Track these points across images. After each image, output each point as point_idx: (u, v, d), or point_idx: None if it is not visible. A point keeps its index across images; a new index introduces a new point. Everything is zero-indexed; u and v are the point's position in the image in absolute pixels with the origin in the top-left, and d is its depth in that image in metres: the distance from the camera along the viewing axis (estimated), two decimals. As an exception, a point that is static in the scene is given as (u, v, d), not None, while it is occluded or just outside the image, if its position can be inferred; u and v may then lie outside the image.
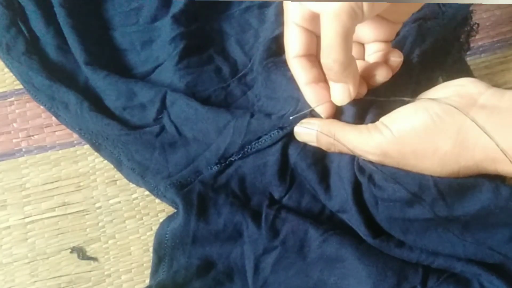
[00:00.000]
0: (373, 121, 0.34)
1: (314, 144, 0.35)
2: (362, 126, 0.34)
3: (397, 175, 0.32)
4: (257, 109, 0.40)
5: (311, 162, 0.36)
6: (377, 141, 0.32)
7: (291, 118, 0.36)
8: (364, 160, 0.33)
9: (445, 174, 0.31)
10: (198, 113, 0.38)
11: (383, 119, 0.33)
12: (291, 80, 0.39)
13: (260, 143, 0.37)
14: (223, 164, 0.38)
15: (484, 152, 0.30)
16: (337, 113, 0.36)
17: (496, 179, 0.32)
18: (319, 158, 0.36)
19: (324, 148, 0.35)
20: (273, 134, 0.36)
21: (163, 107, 0.40)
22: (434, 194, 0.31)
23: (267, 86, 0.40)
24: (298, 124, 0.36)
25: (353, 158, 0.34)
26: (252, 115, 0.37)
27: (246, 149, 0.37)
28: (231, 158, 0.37)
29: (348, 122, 0.35)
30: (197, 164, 0.38)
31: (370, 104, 0.36)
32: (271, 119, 0.37)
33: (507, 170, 0.30)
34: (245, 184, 0.38)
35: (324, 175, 0.36)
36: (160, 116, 0.40)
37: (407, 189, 0.32)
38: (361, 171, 0.34)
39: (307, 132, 0.35)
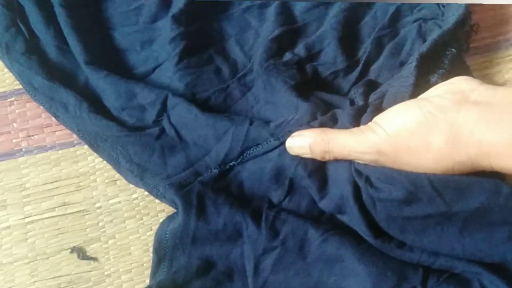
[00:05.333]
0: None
1: (308, 156, 0.35)
2: (355, 129, 0.34)
3: (390, 175, 0.32)
4: (256, 112, 0.40)
5: (311, 170, 0.36)
6: (371, 140, 0.32)
7: (287, 131, 0.36)
8: (360, 163, 0.34)
9: (440, 171, 0.32)
10: (197, 119, 0.38)
11: (376, 118, 0.34)
12: (290, 86, 0.39)
13: (257, 149, 0.37)
14: (223, 168, 0.38)
15: (478, 147, 0.30)
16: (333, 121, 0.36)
17: (496, 177, 0.32)
18: (319, 167, 0.36)
19: (318, 158, 0.35)
20: (269, 141, 0.36)
21: (163, 109, 0.40)
22: (430, 191, 0.31)
23: (267, 89, 0.40)
24: (289, 138, 0.36)
25: (350, 161, 0.34)
26: (251, 123, 0.38)
27: (244, 155, 0.37)
28: (231, 164, 0.37)
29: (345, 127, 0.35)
30: (198, 167, 0.38)
31: (365, 109, 0.36)
32: (269, 127, 0.37)
33: (501, 165, 0.30)
34: (244, 189, 0.38)
35: (321, 182, 0.36)
36: (160, 118, 0.40)
37: (402, 189, 0.32)
38: (358, 173, 0.34)
39: (299, 144, 0.35)
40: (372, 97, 0.38)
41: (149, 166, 0.39)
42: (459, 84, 0.33)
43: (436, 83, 0.37)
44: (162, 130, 0.39)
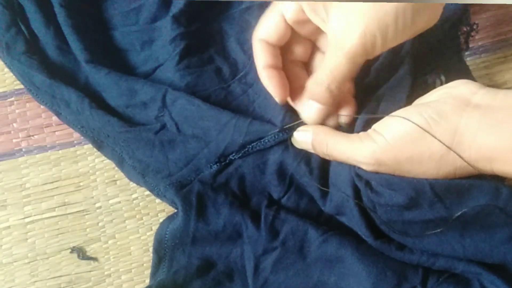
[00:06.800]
0: (364, 128, 0.34)
1: (312, 151, 0.36)
2: (354, 135, 0.34)
3: (391, 181, 0.32)
4: (257, 106, 0.40)
5: (312, 167, 0.36)
6: (370, 150, 0.32)
7: (285, 127, 0.36)
8: (359, 168, 0.33)
9: (441, 176, 0.31)
10: (200, 110, 0.38)
11: (376, 126, 0.33)
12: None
13: (262, 143, 0.37)
14: (223, 163, 0.38)
15: (479, 152, 0.30)
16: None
17: (496, 180, 0.32)
18: (320, 165, 0.36)
19: (320, 156, 0.35)
20: (276, 135, 0.36)
21: (164, 105, 0.40)
22: (431, 197, 0.31)
23: None
24: (295, 131, 0.36)
25: None
26: (254, 117, 0.38)
27: (247, 149, 0.37)
28: (231, 157, 0.37)
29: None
30: (197, 162, 0.38)
31: (360, 110, 0.36)
32: (274, 123, 0.37)
33: (502, 169, 0.30)
34: (245, 183, 0.38)
35: (323, 180, 0.36)
36: (162, 114, 0.40)
37: (403, 195, 0.32)
38: (359, 177, 0.34)
39: (303, 139, 0.36)
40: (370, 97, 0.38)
41: (151, 162, 0.39)
42: (459, 88, 0.32)
43: (434, 83, 0.37)
44: (163, 126, 0.39)
